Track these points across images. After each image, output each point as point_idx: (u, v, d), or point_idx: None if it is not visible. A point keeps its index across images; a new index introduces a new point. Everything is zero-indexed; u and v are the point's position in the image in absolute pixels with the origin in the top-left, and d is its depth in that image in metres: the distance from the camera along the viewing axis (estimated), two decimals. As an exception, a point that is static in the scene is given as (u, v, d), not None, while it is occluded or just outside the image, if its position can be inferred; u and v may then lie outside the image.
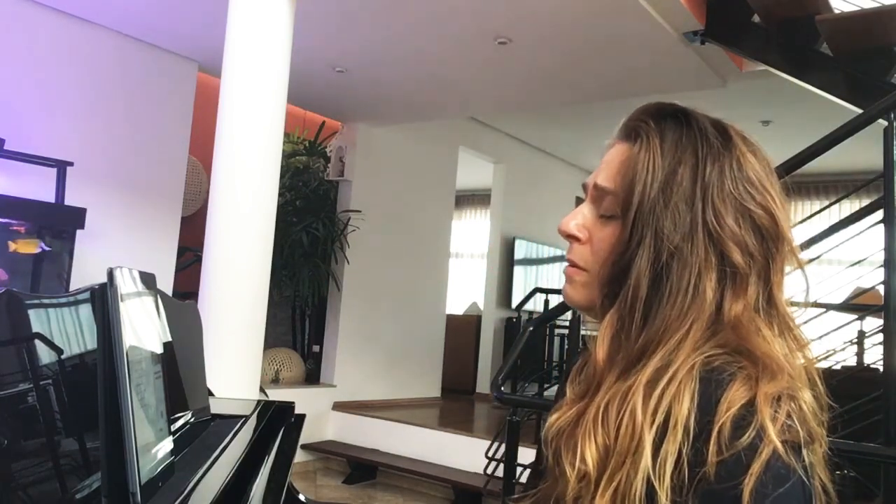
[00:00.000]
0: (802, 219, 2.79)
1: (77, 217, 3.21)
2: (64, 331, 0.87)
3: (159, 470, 0.89)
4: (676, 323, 0.64)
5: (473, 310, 7.74)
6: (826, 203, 4.07)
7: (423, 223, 6.14)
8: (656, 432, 0.60)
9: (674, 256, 0.65)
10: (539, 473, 0.87)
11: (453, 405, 6.13)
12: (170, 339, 1.14)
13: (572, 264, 0.74)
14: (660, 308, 0.65)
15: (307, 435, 4.90)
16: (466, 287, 8.68)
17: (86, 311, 0.90)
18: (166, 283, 4.18)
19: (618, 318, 0.67)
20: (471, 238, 9.12)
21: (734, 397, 0.58)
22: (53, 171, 3.36)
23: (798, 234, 0.73)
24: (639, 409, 0.61)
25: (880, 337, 2.11)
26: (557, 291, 6.61)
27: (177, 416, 1.13)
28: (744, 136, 0.71)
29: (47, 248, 3.04)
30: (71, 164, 3.40)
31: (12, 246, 2.91)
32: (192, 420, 1.22)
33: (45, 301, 0.88)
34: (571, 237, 0.74)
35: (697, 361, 0.62)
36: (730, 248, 0.65)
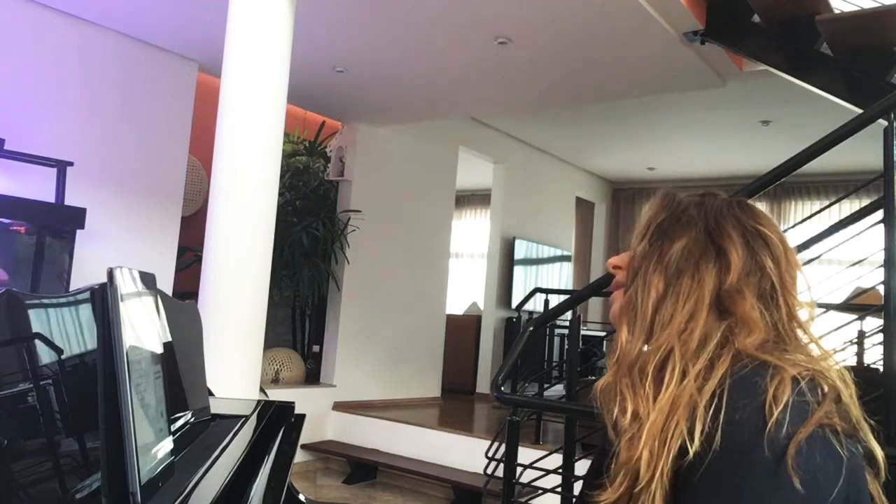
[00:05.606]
0: (802, 219, 2.79)
1: (77, 217, 3.21)
2: (64, 331, 0.87)
3: (159, 470, 0.89)
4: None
5: (473, 310, 7.74)
6: (826, 203, 4.06)
7: (423, 223, 6.14)
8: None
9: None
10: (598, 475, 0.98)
11: (453, 405, 6.13)
12: (170, 339, 1.14)
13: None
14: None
15: (307, 435, 4.91)
16: (466, 287, 8.68)
17: (86, 311, 0.90)
18: (166, 283, 4.18)
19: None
20: (471, 238, 9.12)
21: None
22: (53, 171, 3.36)
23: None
24: (689, 366, 0.75)
25: (880, 337, 2.10)
26: (557, 291, 6.62)
27: (177, 416, 1.13)
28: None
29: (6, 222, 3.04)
30: (71, 164, 3.40)
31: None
32: (192, 420, 1.22)
33: (45, 301, 0.88)
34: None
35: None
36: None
